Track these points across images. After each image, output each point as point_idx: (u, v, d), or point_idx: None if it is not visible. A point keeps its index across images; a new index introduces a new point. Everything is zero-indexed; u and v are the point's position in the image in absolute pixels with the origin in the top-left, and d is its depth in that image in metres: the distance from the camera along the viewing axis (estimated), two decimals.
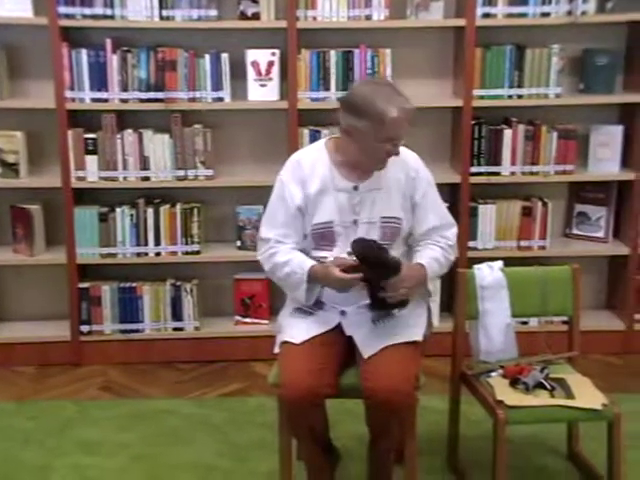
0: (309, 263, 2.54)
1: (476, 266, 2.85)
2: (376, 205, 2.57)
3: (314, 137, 3.63)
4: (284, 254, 2.57)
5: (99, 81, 3.54)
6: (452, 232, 2.69)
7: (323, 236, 2.57)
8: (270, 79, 3.60)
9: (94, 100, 3.57)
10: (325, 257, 2.57)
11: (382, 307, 2.50)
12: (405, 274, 2.44)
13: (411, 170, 2.61)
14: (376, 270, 2.42)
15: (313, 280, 2.52)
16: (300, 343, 2.52)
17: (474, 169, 3.68)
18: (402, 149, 2.58)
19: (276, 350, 2.64)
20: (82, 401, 3.45)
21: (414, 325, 2.60)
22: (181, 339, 3.80)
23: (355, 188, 2.57)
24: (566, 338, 2.88)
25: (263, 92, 3.62)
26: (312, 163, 2.59)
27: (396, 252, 2.59)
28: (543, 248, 3.78)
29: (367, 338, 2.54)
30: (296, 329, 2.57)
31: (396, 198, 2.58)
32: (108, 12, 3.49)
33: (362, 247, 2.43)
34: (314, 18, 3.54)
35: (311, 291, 2.55)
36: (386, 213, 2.57)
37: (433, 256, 2.60)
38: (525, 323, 3.69)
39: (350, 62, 3.58)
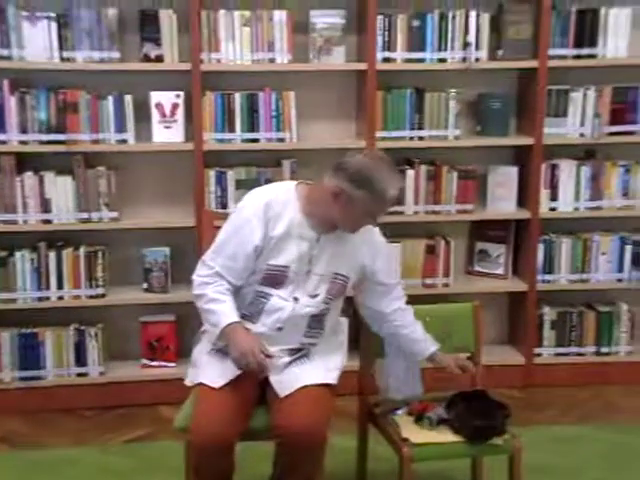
0: (233, 318, 2.50)
1: None
2: (332, 260, 2.59)
3: (220, 178, 3.64)
4: (216, 291, 2.53)
5: None
6: (401, 289, 2.79)
7: (274, 277, 2.56)
8: (175, 121, 3.60)
9: None
10: (269, 293, 2.56)
11: (482, 436, 2.58)
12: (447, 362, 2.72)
13: (376, 242, 2.68)
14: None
15: (226, 334, 2.49)
16: (218, 388, 2.49)
17: None
18: None
19: (187, 383, 2.62)
20: None
21: (331, 369, 2.63)
22: (85, 385, 3.71)
23: (317, 239, 2.57)
24: (470, 373, 2.94)
25: (168, 134, 3.61)
26: (281, 206, 2.55)
27: (334, 310, 2.66)
28: (447, 285, 3.87)
29: (283, 378, 2.54)
30: (213, 371, 2.54)
31: (351, 259, 2.62)
32: (5, 52, 3.43)
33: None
34: (218, 60, 3.57)
35: (219, 339, 2.54)
36: (339, 270, 2.60)
37: (421, 329, 2.76)
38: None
39: (255, 104, 3.62)
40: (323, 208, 2.53)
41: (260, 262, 2.55)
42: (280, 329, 2.57)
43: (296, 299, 2.56)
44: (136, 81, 3.61)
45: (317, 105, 3.78)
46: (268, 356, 2.47)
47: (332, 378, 2.61)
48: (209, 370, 2.56)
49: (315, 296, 2.59)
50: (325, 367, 2.61)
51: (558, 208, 3.88)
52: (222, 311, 2.51)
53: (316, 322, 2.62)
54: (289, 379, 2.54)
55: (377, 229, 2.72)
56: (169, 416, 3.44)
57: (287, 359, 2.59)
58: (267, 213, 2.54)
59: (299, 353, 2.62)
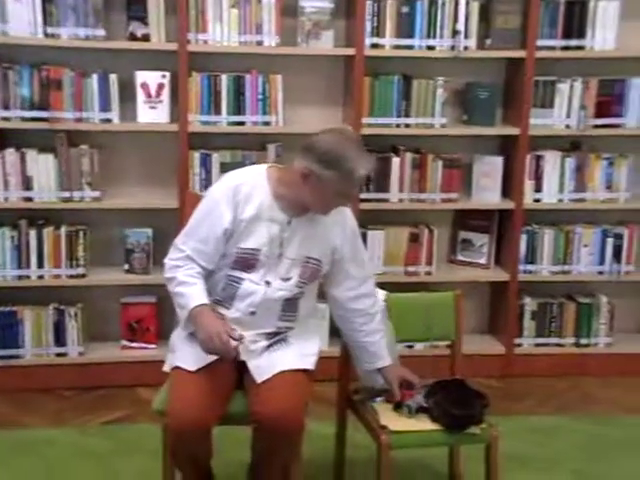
0: (200, 300, 2.48)
1: None
2: (303, 243, 2.57)
3: (205, 160, 3.62)
4: (186, 275, 2.52)
5: None
6: (372, 286, 2.75)
7: (245, 261, 2.54)
8: (160, 101, 3.56)
9: None
10: (240, 278, 2.55)
11: (460, 424, 2.58)
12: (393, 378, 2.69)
13: (347, 226, 2.64)
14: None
15: (193, 317, 2.47)
16: (194, 371, 2.48)
17: (363, 195, 3.75)
18: None
19: (165, 369, 2.61)
20: None
21: (308, 354, 2.62)
22: (64, 365, 3.69)
23: (288, 222, 2.55)
24: (449, 362, 2.95)
25: (153, 114, 3.57)
26: (250, 189, 2.53)
27: (307, 291, 2.63)
28: (429, 274, 3.88)
29: (261, 363, 2.54)
30: (190, 355, 2.53)
31: (323, 242, 2.60)
32: None
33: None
34: (205, 41, 3.54)
35: (188, 322, 2.51)
36: (311, 254, 2.58)
37: (381, 340, 2.72)
38: (411, 347, 3.78)
39: (241, 87, 3.59)
40: (294, 190, 2.51)
41: (230, 246, 2.54)
42: (253, 313, 2.56)
43: (268, 283, 2.55)
44: (121, 60, 3.57)
45: (304, 89, 3.76)
46: (235, 339, 2.43)
47: (309, 363, 2.60)
48: (185, 354, 2.54)
49: (287, 279, 2.57)
50: (302, 352, 2.61)
51: (542, 199, 3.88)
52: (190, 294, 2.49)
53: (290, 306, 2.61)
54: (266, 364, 2.53)
55: (350, 213, 2.69)
56: (148, 398, 3.42)
57: (264, 343, 2.58)
58: (236, 196, 2.52)
59: (276, 337, 2.61)
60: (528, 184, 3.85)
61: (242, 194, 2.53)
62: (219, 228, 2.52)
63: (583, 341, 4.02)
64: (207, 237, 2.53)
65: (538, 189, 3.87)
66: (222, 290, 2.59)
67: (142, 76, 3.54)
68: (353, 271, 2.67)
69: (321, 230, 2.59)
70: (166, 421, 2.44)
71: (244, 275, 2.55)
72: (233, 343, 2.43)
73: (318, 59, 3.76)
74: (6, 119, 3.46)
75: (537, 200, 3.88)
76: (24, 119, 3.47)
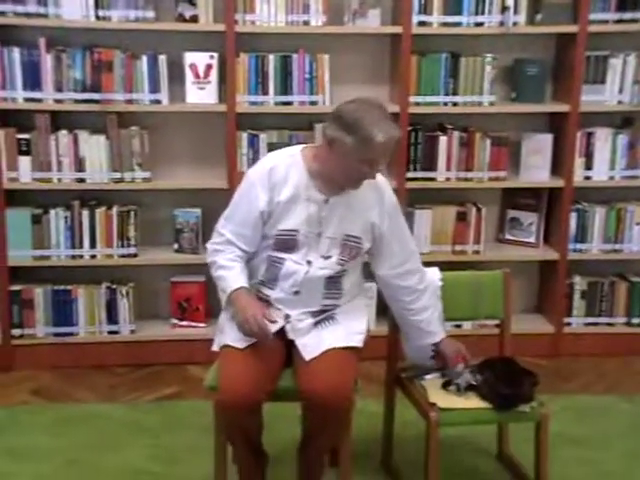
0: (239, 283, 2.54)
1: None
2: (342, 222, 2.58)
3: (252, 141, 3.64)
4: (227, 259, 2.59)
5: (32, 80, 3.48)
6: (418, 262, 2.74)
7: (285, 242, 2.57)
8: (208, 82, 3.59)
9: (27, 100, 3.51)
10: (282, 258, 2.58)
11: (509, 403, 2.58)
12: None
13: (385, 202, 2.63)
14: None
15: (232, 300, 2.54)
16: (243, 348, 2.52)
17: (410, 174, 3.74)
18: (381, 178, 2.63)
19: (214, 348, 2.65)
20: (12, 406, 3.38)
21: (357, 332, 2.64)
22: (116, 342, 3.76)
23: (326, 201, 2.57)
24: (498, 341, 2.95)
25: (201, 95, 3.60)
26: (286, 170, 2.56)
27: (351, 269, 2.64)
28: (477, 253, 3.86)
29: (309, 341, 2.56)
30: (238, 333, 2.55)
31: (361, 219, 2.61)
32: (42, 10, 3.44)
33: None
34: (252, 22, 3.55)
35: (228, 305, 2.59)
36: (350, 231, 2.59)
37: (432, 316, 2.73)
38: (458, 326, 3.77)
39: (288, 66, 3.60)
40: (326, 165, 2.53)
41: (270, 227, 2.57)
42: (297, 293, 2.58)
43: (309, 262, 2.57)
44: (170, 41, 3.61)
45: (351, 68, 3.75)
46: (273, 321, 2.48)
47: (357, 341, 2.62)
48: (234, 333, 2.58)
49: (328, 258, 2.58)
50: (350, 330, 2.62)
51: (592, 177, 3.83)
52: (229, 277, 2.56)
53: (333, 284, 2.62)
54: (315, 342, 2.56)
55: (389, 190, 2.67)
56: (198, 375, 3.50)
57: (311, 320, 2.60)
58: (272, 178, 2.55)
59: (322, 315, 2.63)
60: (578, 161, 3.80)
61: (278, 176, 2.55)
62: (256, 211, 2.55)
63: (635, 320, 3.96)
64: (245, 220, 2.58)
65: (588, 167, 3.81)
66: (265, 271, 2.62)
67: (190, 57, 3.57)
68: (395, 248, 2.67)
69: (359, 208, 2.60)
70: (217, 397, 2.48)
71: (285, 255, 2.57)
72: (271, 326, 2.47)
73: (365, 38, 3.74)
74: (59, 101, 3.52)
75: (587, 178, 3.83)
76: (76, 101, 3.53)
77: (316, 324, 2.61)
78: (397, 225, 2.68)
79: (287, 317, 2.59)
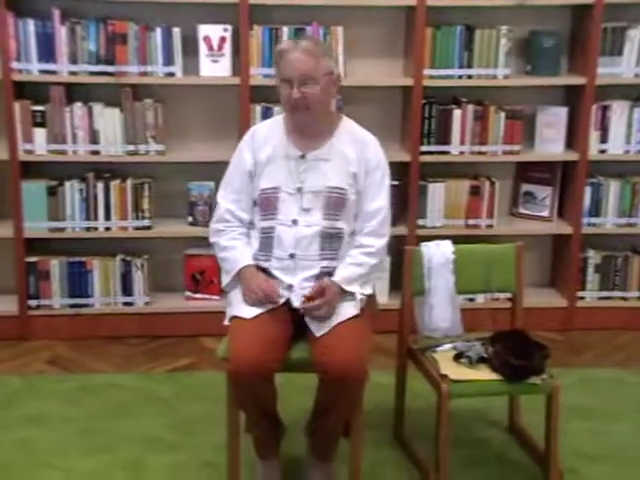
0: (245, 261, 2.62)
1: (423, 244, 2.90)
2: (322, 175, 2.60)
3: (266, 114, 3.64)
4: (229, 238, 2.67)
5: (47, 52, 3.49)
6: (381, 226, 2.66)
7: (268, 202, 2.62)
8: (222, 55, 3.59)
9: (42, 72, 3.52)
10: (271, 227, 2.62)
11: (519, 374, 2.59)
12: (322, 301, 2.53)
13: (366, 157, 2.62)
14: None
15: (240, 279, 2.63)
16: (250, 318, 2.55)
17: (424, 148, 3.73)
18: (364, 133, 2.65)
19: (226, 322, 2.67)
20: (28, 375, 3.43)
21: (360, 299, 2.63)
22: (131, 314, 3.80)
23: (302, 156, 2.61)
24: (510, 314, 2.95)
25: (215, 68, 3.60)
26: (267, 132, 2.68)
27: (346, 227, 2.62)
28: (490, 227, 3.85)
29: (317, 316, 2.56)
30: (245, 304, 2.60)
31: (343, 171, 2.61)
32: None
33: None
34: None
35: (234, 282, 2.65)
36: (331, 183, 2.60)
37: (352, 271, 2.60)
38: (471, 300, 3.78)
39: None
40: None
41: (255, 189, 2.65)
42: (293, 256, 2.59)
43: (295, 221, 2.59)
44: (184, 14, 3.60)
45: (365, 41, 3.73)
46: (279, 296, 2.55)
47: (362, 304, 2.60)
48: (241, 304, 2.62)
49: (312, 213, 2.59)
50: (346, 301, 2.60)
51: (608, 150, 3.81)
52: (234, 258, 2.65)
53: (329, 243, 2.61)
54: (324, 318, 2.55)
55: (375, 147, 2.65)
56: (211, 347, 3.53)
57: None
58: (254, 140, 2.68)
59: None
60: (593, 135, 3.77)
61: (259, 136, 2.68)
62: (245, 172, 2.66)
63: None
64: (240, 186, 2.68)
65: (604, 140, 3.79)
66: (260, 244, 2.66)
67: (204, 30, 3.56)
68: (366, 205, 2.63)
69: (339, 160, 2.62)
70: (229, 366, 2.50)
71: (274, 223, 2.61)
72: (271, 286, 2.54)
73: (379, 10, 3.72)
74: (73, 73, 3.53)
75: (602, 151, 3.81)
76: (91, 73, 3.53)
77: None
78: (372, 181, 2.63)
79: (290, 287, 2.60)
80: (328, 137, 2.63)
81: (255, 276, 2.60)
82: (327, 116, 2.64)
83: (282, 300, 2.60)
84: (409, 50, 3.71)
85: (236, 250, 2.66)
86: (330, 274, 2.61)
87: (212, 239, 2.74)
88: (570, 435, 2.96)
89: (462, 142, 3.75)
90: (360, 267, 2.62)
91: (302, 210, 2.60)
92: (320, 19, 3.60)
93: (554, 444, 2.69)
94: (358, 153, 2.63)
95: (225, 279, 2.71)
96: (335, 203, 2.61)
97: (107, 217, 3.68)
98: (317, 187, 2.60)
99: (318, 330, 2.54)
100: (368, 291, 2.67)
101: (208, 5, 3.57)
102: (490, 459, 2.91)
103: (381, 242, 2.66)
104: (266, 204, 2.63)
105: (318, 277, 2.60)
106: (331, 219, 2.61)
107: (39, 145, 3.58)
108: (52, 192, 3.63)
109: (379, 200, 2.65)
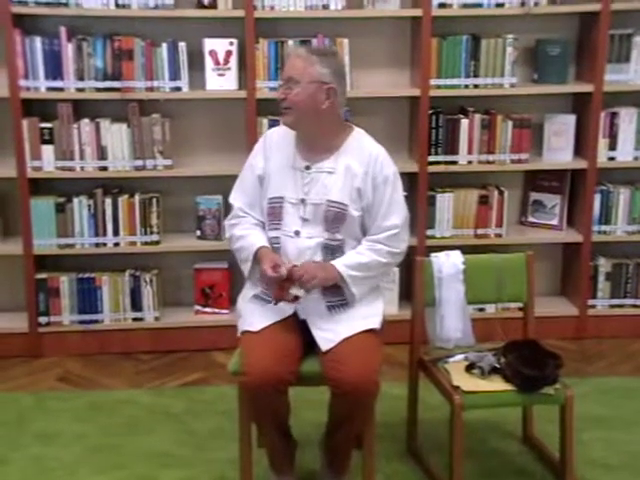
0: (260, 243, 2.61)
1: (433, 254, 2.88)
2: (325, 188, 2.59)
3: (273, 127, 3.60)
4: (242, 228, 2.68)
5: (54, 70, 3.51)
6: (394, 236, 2.63)
7: (274, 212, 2.62)
8: (228, 68, 3.59)
9: (49, 89, 3.53)
10: (277, 237, 2.62)
11: (532, 385, 2.57)
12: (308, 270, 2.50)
13: (373, 173, 2.59)
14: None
15: (257, 263, 2.61)
16: (259, 331, 2.55)
17: (432, 158, 3.72)
18: (373, 146, 2.62)
19: (239, 335, 2.66)
20: (40, 392, 3.43)
21: (371, 315, 2.63)
22: (141, 329, 3.79)
23: (307, 167, 2.61)
24: (522, 324, 2.94)
25: (221, 81, 3.61)
26: (279, 139, 2.69)
27: (348, 239, 2.61)
28: (499, 236, 3.84)
29: (324, 330, 2.55)
30: (254, 317, 2.60)
31: (346, 185, 2.59)
32: None
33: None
34: (271, 7, 3.54)
35: (255, 269, 2.63)
36: (332, 197, 2.59)
37: (358, 261, 2.58)
38: (482, 310, 3.76)
39: None
40: None
41: (263, 198, 2.66)
42: (295, 267, 2.55)
43: (297, 232, 2.59)
44: (190, 28, 3.61)
45: (371, 52, 3.74)
46: (292, 299, 2.51)
47: (374, 323, 2.61)
48: (250, 317, 2.62)
49: (309, 221, 2.58)
50: (365, 314, 2.61)
51: (617, 157, 3.79)
52: (248, 245, 2.64)
53: (331, 254, 2.59)
54: (329, 331, 2.55)
55: (385, 160, 2.62)
56: (222, 361, 3.52)
57: (322, 302, 2.57)
58: (267, 144, 2.70)
59: (333, 298, 2.58)
60: (602, 142, 3.76)
61: (271, 142, 2.70)
62: (255, 176, 2.67)
63: None
64: (251, 189, 2.69)
65: (612, 147, 3.78)
66: None
67: (210, 44, 3.57)
68: (378, 221, 2.60)
69: (343, 174, 2.59)
70: (242, 379, 2.49)
71: (279, 233, 2.62)
72: (278, 267, 2.50)
73: (385, 21, 3.72)
74: (81, 90, 3.54)
75: (611, 158, 3.79)
76: (98, 89, 3.54)
77: (330, 309, 2.60)
78: (381, 199, 2.60)
79: (296, 298, 2.54)
80: (335, 149, 2.62)
81: (271, 256, 2.56)
82: (332, 128, 2.61)
83: (290, 311, 2.58)
84: (415, 60, 3.71)
85: (250, 237, 2.65)
86: (335, 284, 2.59)
87: (227, 234, 2.76)
88: (585, 445, 2.93)
89: (470, 152, 3.74)
90: (361, 256, 2.59)
91: (304, 221, 2.60)
92: (325, 31, 3.61)
93: (569, 454, 2.67)
94: (365, 168, 2.60)
95: (245, 268, 2.67)
96: (334, 217, 2.59)
97: (116, 232, 3.69)
98: (318, 200, 2.59)
99: (325, 345, 2.52)
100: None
101: (214, 19, 3.58)
102: (505, 470, 2.89)
103: (391, 249, 2.62)
104: (273, 214, 2.64)
105: (323, 288, 2.58)
106: (331, 231, 2.60)
107: (47, 162, 3.59)
108: (61, 209, 3.64)
109: (392, 219, 2.62)
